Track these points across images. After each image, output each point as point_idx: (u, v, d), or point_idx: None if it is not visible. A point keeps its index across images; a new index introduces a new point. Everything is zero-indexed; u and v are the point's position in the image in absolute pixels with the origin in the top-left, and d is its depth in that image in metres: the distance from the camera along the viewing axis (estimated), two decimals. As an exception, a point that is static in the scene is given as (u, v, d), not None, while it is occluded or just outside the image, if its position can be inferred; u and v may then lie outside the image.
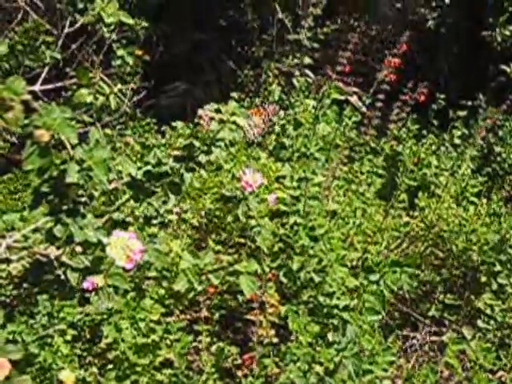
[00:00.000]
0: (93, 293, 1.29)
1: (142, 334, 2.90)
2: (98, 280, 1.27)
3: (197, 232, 3.81)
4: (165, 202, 1.50)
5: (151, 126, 5.22)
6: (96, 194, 1.28)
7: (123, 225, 1.55)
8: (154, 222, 1.65)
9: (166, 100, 6.79)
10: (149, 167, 1.43)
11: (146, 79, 6.49)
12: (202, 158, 1.45)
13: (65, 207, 1.27)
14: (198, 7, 6.98)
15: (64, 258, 1.29)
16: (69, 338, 2.89)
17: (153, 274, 1.49)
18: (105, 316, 2.89)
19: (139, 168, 1.45)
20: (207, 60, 6.84)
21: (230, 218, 3.65)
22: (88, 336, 3.07)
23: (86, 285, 1.34)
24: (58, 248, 1.32)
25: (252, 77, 6.23)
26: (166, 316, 3.07)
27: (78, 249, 1.32)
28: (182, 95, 6.80)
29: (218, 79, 6.74)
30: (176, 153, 1.45)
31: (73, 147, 1.24)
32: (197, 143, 1.45)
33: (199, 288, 1.49)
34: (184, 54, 6.82)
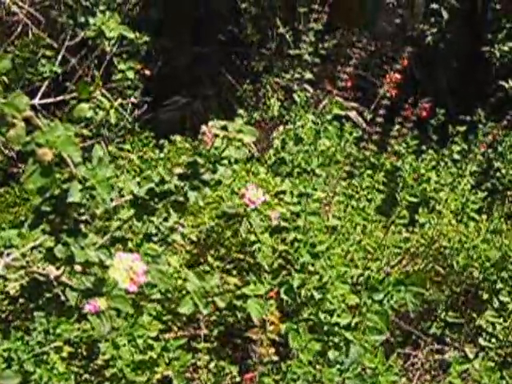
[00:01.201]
0: (94, 316, 1.25)
1: (140, 350, 2.87)
2: (100, 303, 1.23)
3: (195, 247, 3.77)
4: (166, 219, 1.47)
5: (150, 140, 5.19)
6: (98, 212, 1.25)
7: (123, 242, 1.51)
8: (155, 239, 1.62)
9: (164, 114, 6.78)
10: (152, 185, 1.40)
11: (146, 93, 6.49)
12: (207, 176, 1.42)
13: (66, 227, 1.24)
14: (198, 21, 7.00)
15: (64, 278, 1.26)
16: (65, 354, 2.85)
17: (156, 296, 1.46)
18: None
19: (139, 184, 1.42)
20: (206, 74, 6.84)
21: (229, 233, 3.62)
22: (85, 353, 3.03)
23: (88, 307, 1.30)
24: (58, 268, 1.28)
25: (251, 91, 6.23)
26: (164, 332, 3.04)
27: (78, 268, 1.28)
28: (180, 109, 6.80)
29: (217, 93, 6.74)
30: (179, 170, 1.42)
31: (75, 165, 1.21)
32: (200, 160, 1.42)
33: (205, 311, 1.46)
34: (183, 67, 6.82)
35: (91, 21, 1.55)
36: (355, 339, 2.06)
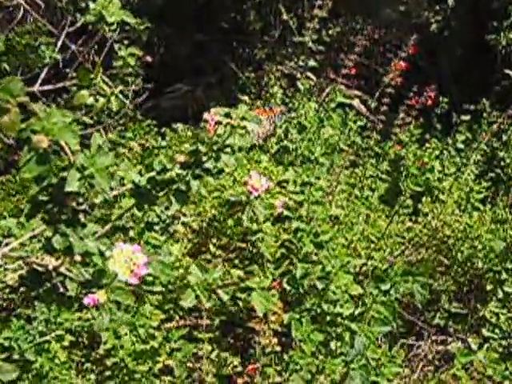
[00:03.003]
0: (93, 308, 1.23)
1: (142, 340, 2.86)
2: (99, 296, 1.20)
3: (197, 236, 3.75)
4: (167, 208, 1.44)
5: (151, 128, 5.16)
6: (97, 202, 1.22)
7: (124, 231, 1.48)
8: (157, 228, 1.59)
9: (166, 102, 6.74)
10: (153, 174, 1.36)
11: (147, 81, 6.44)
12: (210, 165, 1.38)
13: (64, 216, 1.21)
14: (200, 9, 6.94)
15: (63, 269, 1.23)
16: (66, 343, 2.84)
17: (158, 288, 1.42)
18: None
19: (140, 173, 1.38)
20: (209, 62, 6.79)
21: (231, 222, 3.59)
22: (86, 342, 3.02)
23: (86, 301, 1.27)
24: (58, 258, 1.25)
25: (254, 79, 6.18)
26: (166, 322, 3.03)
27: (78, 258, 1.25)
28: (183, 97, 6.75)
29: (219, 81, 6.69)
30: (181, 158, 1.39)
31: (73, 153, 1.17)
32: (203, 149, 1.39)
33: (208, 305, 1.43)
34: (185, 55, 6.77)
35: (91, 5, 1.52)
36: (360, 330, 2.04)
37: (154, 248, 1.46)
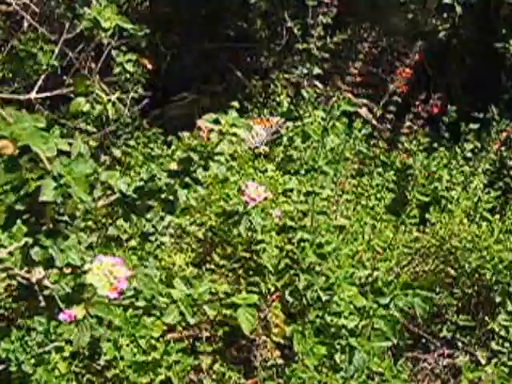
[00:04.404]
0: (72, 325, 1.17)
1: (143, 351, 2.82)
2: (77, 311, 1.15)
3: (201, 245, 3.71)
4: (162, 218, 1.39)
5: (157, 137, 5.14)
6: (78, 213, 1.17)
7: (117, 241, 1.44)
8: (152, 238, 1.54)
9: (173, 110, 6.72)
10: (141, 183, 1.31)
11: (154, 89, 6.42)
12: (199, 173, 1.33)
13: (44, 227, 1.15)
14: (207, 17, 6.92)
15: (46, 282, 1.18)
16: (67, 354, 2.80)
17: (141, 303, 1.36)
18: (104, 332, 2.80)
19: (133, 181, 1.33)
20: (215, 70, 6.77)
21: (235, 232, 3.55)
22: (86, 353, 2.98)
23: (62, 317, 1.21)
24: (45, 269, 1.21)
25: (260, 87, 6.15)
26: (168, 332, 2.98)
27: (68, 271, 1.20)
28: (189, 105, 6.73)
29: (225, 89, 6.66)
30: (174, 166, 1.34)
31: (49, 161, 1.12)
32: (195, 157, 1.34)
33: (192, 321, 1.37)
34: (192, 64, 6.75)
35: (86, 11, 1.48)
36: (360, 345, 1.98)
37: (140, 260, 1.41)
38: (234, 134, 1.31)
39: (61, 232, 1.17)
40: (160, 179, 1.31)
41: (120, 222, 1.64)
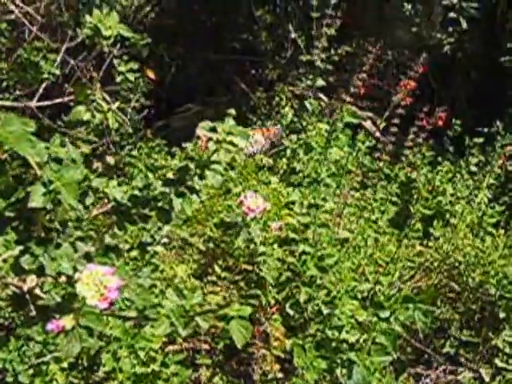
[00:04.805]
0: (61, 335, 1.14)
1: (142, 362, 2.79)
2: (65, 322, 1.12)
3: (203, 257, 3.69)
4: (160, 229, 1.37)
5: (161, 148, 5.15)
6: (71, 221, 1.14)
7: (115, 251, 1.41)
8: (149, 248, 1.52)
9: (177, 121, 6.72)
10: (136, 192, 1.29)
11: (158, 100, 6.43)
12: (195, 183, 1.30)
13: (35, 235, 1.13)
14: (212, 29, 6.95)
15: (38, 291, 1.16)
16: (65, 365, 2.77)
17: (132, 313, 1.33)
18: (103, 343, 2.79)
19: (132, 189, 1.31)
20: (220, 82, 6.78)
21: (237, 244, 3.53)
22: (85, 364, 2.95)
23: (50, 327, 1.18)
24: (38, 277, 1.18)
25: (265, 99, 6.15)
26: (169, 344, 2.95)
27: (63, 279, 1.18)
28: (193, 117, 6.74)
29: (230, 101, 6.67)
30: (170, 175, 1.32)
31: (40, 166, 1.10)
32: (192, 166, 1.31)
33: (183, 333, 1.34)
34: (197, 75, 6.77)
35: (87, 19, 1.47)
36: (359, 360, 1.94)
37: (134, 270, 1.38)
38: (231, 143, 1.28)
39: (52, 240, 1.15)
40: (155, 188, 1.29)
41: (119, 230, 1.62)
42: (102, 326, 1.07)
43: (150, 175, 1.32)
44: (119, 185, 1.32)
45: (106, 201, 1.30)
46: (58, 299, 1.14)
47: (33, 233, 1.14)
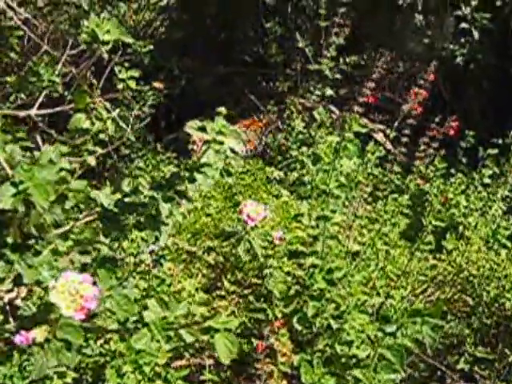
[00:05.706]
0: (35, 348, 1.08)
1: (148, 378, 2.73)
2: (36, 334, 1.05)
3: (212, 271, 3.65)
4: (157, 239, 1.31)
5: (171, 160, 5.14)
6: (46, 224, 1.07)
7: (112, 262, 1.36)
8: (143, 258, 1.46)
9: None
10: (123, 197, 1.23)
11: (169, 113, 6.41)
12: (182, 187, 1.24)
13: (10, 240, 1.07)
14: (222, 41, 6.95)
15: (18, 302, 1.10)
16: (69, 380, 2.72)
17: (113, 326, 1.26)
18: (107, 358, 2.74)
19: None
20: (230, 94, 6.76)
21: (246, 257, 3.48)
22: (90, 379, 2.90)
23: (18, 339, 1.11)
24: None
25: (275, 112, 6.12)
26: (175, 360, 2.90)
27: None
28: (204, 130, 6.72)
29: (240, 114, 6.65)
30: (162, 181, 1.27)
31: (12, 166, 1.04)
32: (182, 169, 1.26)
33: (167, 347, 1.28)
34: (207, 88, 6.76)
35: (85, 23, 1.43)
36: (365, 378, 1.86)
37: (118, 279, 1.31)
38: (221, 143, 1.23)
39: (30, 247, 1.08)
40: (143, 193, 1.23)
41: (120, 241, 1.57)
42: (81, 339, 1.00)
43: (142, 180, 1.27)
44: (97, 188, 1.27)
45: (96, 208, 1.25)
46: (34, 309, 1.08)
47: (6, 238, 1.07)
